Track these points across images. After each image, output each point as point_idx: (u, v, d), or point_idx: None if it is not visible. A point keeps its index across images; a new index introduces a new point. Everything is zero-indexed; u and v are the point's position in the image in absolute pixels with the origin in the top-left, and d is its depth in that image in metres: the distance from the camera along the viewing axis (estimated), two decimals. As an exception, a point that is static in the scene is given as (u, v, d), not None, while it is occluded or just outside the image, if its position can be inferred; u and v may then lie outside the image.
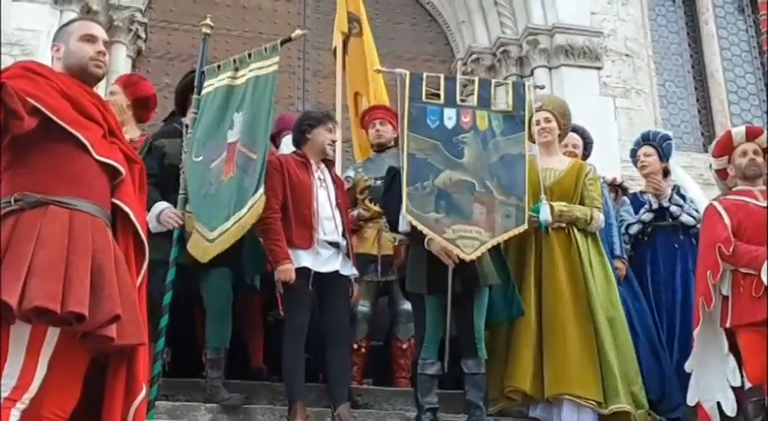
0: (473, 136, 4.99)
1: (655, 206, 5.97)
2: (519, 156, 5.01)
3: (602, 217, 5.32)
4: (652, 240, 5.98)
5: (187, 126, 5.26)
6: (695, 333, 4.92)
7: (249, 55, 5.27)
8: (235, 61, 5.32)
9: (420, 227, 4.74)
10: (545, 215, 4.90)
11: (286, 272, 4.80)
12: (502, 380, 5.00)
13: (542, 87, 5.53)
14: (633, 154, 6.34)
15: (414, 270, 4.94)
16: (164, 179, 5.06)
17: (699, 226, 5.70)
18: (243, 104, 5.10)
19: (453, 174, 4.88)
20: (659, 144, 6.21)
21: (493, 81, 5.51)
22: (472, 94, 5.17)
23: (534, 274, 5.12)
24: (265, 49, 5.23)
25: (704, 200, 6.04)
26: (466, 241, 4.75)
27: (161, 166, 5.11)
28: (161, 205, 4.94)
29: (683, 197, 6.04)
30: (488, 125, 5.04)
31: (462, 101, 5.09)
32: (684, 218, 5.92)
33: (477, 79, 5.41)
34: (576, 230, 5.20)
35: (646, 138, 6.32)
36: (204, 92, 5.30)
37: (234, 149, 4.97)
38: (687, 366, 5.04)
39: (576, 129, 6.00)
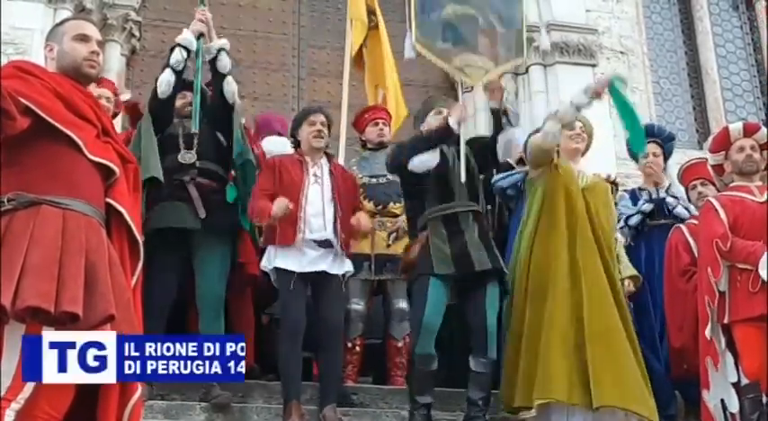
0: None
1: (654, 196, 5.95)
2: None
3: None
4: (648, 238, 5.97)
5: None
6: (707, 332, 4.88)
7: None
8: None
9: (429, 55, 4.89)
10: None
11: (280, 205, 4.77)
12: (524, 389, 4.71)
13: None
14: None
15: (422, 257, 4.84)
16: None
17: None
18: None
19: (457, 7, 5.02)
20: (665, 142, 6.16)
21: None
22: None
23: (569, 269, 4.85)
24: None
25: None
26: (472, 69, 4.93)
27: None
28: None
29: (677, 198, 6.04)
30: None
31: None
32: (680, 210, 5.91)
33: None
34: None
35: (651, 133, 6.10)
36: None
37: None
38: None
39: None
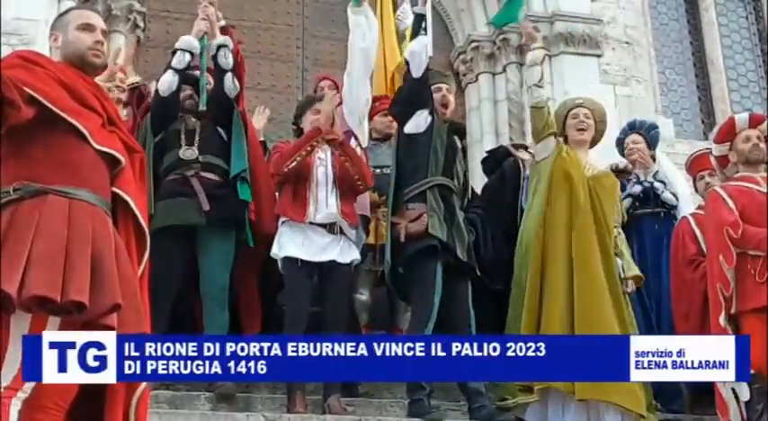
0: None
1: (642, 178, 6.01)
2: None
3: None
4: (638, 228, 5.98)
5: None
6: (721, 320, 4.84)
7: None
8: None
9: None
10: None
11: None
12: None
13: None
14: (620, 142, 6.37)
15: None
16: None
17: (679, 211, 5.87)
18: None
19: None
20: (647, 132, 6.29)
21: None
22: None
23: (565, 262, 4.90)
24: None
25: (687, 188, 6.15)
26: None
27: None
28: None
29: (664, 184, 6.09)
30: None
31: None
32: (667, 195, 5.96)
33: None
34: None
35: (632, 127, 6.40)
36: None
37: None
38: None
39: None
